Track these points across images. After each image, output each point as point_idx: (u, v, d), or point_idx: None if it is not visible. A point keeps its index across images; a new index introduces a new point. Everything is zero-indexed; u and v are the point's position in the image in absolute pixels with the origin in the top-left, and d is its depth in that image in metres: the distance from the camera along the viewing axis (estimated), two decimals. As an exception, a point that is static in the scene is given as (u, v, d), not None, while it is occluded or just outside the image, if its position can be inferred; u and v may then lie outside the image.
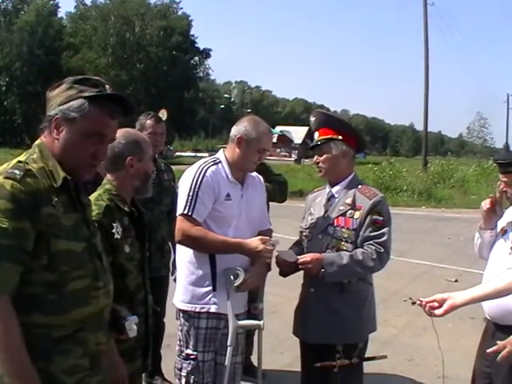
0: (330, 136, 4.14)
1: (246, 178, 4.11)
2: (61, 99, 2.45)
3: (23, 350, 2.21)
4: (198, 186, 3.87)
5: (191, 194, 3.86)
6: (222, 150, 4.11)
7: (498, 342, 3.30)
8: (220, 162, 4.02)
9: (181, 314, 4.05)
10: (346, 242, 4.02)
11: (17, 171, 2.29)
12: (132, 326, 2.88)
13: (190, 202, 3.86)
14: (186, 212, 3.86)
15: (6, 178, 2.25)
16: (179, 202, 3.94)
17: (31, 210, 2.25)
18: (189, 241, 3.89)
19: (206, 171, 3.92)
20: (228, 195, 3.94)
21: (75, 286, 2.37)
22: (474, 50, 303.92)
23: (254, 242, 3.87)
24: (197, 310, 3.95)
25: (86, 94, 2.46)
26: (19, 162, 2.37)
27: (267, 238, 3.94)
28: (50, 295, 2.31)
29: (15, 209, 2.21)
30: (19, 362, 2.20)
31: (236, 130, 4.00)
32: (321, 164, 4.20)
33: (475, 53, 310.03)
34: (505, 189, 3.81)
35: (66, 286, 2.33)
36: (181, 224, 3.88)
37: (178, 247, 4.12)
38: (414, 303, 3.39)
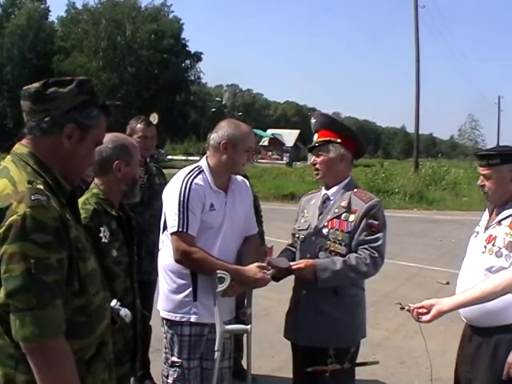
0: (328, 138, 4.13)
1: (230, 183, 4.07)
2: (73, 103, 2.26)
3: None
4: (186, 199, 3.81)
5: (181, 209, 3.80)
6: (204, 158, 4.06)
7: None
8: (203, 170, 3.97)
9: (164, 322, 4.03)
10: (340, 244, 4.01)
11: (40, 197, 2.09)
12: (126, 312, 2.92)
13: (183, 218, 3.80)
14: (180, 229, 3.80)
15: (33, 206, 2.06)
16: (169, 219, 3.88)
17: (64, 237, 2.13)
18: (188, 262, 3.84)
19: (191, 182, 3.87)
20: (212, 205, 3.90)
21: (96, 303, 2.33)
22: (465, 52, 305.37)
23: (252, 270, 3.86)
24: (177, 319, 3.93)
25: (100, 103, 2.37)
26: (29, 182, 2.15)
27: (264, 265, 3.93)
28: (80, 317, 2.23)
29: (53, 240, 2.07)
30: None
31: (218, 137, 3.94)
32: (318, 165, 4.18)
33: (466, 55, 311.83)
34: (482, 183, 3.78)
35: (92, 305, 2.28)
36: (178, 243, 3.81)
37: (160, 253, 4.09)
38: (402, 308, 3.42)
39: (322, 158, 4.15)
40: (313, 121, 4.28)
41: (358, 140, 4.32)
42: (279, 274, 4.09)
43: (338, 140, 4.12)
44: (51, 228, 2.08)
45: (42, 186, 2.16)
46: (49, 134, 2.25)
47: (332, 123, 4.27)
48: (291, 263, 4.04)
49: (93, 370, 2.31)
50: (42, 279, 2.03)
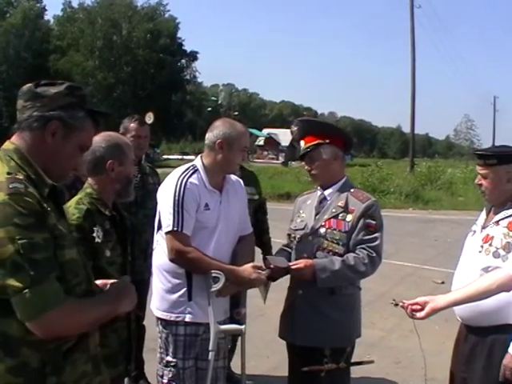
0: (317, 142, 4.12)
1: (225, 183, 4.06)
2: (60, 103, 2.34)
3: (95, 300, 2.44)
4: (181, 198, 3.80)
5: (176, 208, 3.79)
6: (199, 157, 4.05)
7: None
8: (197, 169, 3.96)
9: (159, 321, 4.02)
10: (338, 244, 4.01)
11: (18, 185, 2.17)
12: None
13: (178, 217, 3.78)
14: (175, 229, 3.78)
15: (11, 194, 2.14)
16: (164, 218, 3.87)
17: (44, 222, 2.20)
18: (183, 262, 3.82)
19: (186, 182, 3.86)
20: (206, 205, 3.89)
21: (76, 294, 2.35)
22: (460, 52, 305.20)
23: (247, 271, 3.84)
24: (172, 318, 3.92)
25: (88, 107, 2.44)
26: (8, 173, 2.22)
27: (259, 265, 3.94)
28: None
29: (35, 222, 2.15)
30: (106, 309, 2.46)
31: (214, 136, 3.93)
32: (313, 172, 4.17)
33: (462, 55, 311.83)
34: (480, 182, 3.77)
35: (70, 295, 2.29)
36: (173, 243, 3.80)
37: (155, 253, 4.08)
38: (396, 305, 3.43)
39: (316, 163, 4.14)
40: (294, 129, 4.25)
41: (345, 134, 4.33)
42: (277, 274, 4.09)
43: (327, 141, 4.12)
44: (31, 211, 2.15)
45: (21, 177, 2.23)
46: (34, 129, 2.33)
47: (315, 127, 4.26)
48: (290, 263, 4.03)
49: (71, 360, 2.33)
50: (31, 258, 2.11)
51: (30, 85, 2.38)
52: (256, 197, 5.64)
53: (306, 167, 4.23)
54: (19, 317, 2.12)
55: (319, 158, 4.12)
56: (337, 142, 4.15)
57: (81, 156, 2.50)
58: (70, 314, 2.22)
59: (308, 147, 4.15)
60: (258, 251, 4.93)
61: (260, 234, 5.51)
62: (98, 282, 2.70)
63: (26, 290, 2.08)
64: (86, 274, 2.46)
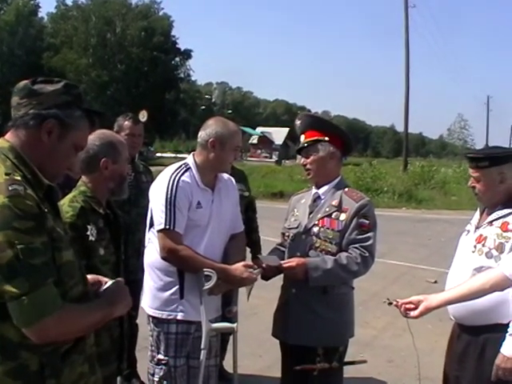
0: (316, 138, 4.12)
1: (217, 181, 4.06)
2: (57, 101, 2.31)
3: (91, 306, 2.41)
4: (173, 196, 3.79)
5: (168, 206, 3.78)
6: (191, 156, 4.04)
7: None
8: (190, 168, 3.95)
9: (150, 319, 4.02)
10: (331, 243, 4.01)
11: (17, 187, 2.14)
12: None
13: (170, 215, 3.78)
14: (167, 227, 3.78)
15: (11, 196, 2.10)
16: (156, 216, 3.86)
17: (42, 225, 2.17)
18: (175, 260, 3.82)
19: (179, 179, 3.85)
20: (199, 203, 3.88)
21: (72, 296, 2.34)
22: (455, 51, 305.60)
23: (239, 269, 3.83)
24: (164, 316, 3.92)
25: (84, 107, 2.42)
26: (6, 174, 2.18)
27: (251, 264, 3.94)
28: None
29: (35, 225, 2.12)
30: (101, 314, 2.41)
31: (206, 135, 3.93)
32: (308, 166, 4.17)
33: (457, 55, 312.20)
34: (473, 184, 3.77)
35: (67, 297, 2.29)
36: (165, 241, 3.79)
37: (147, 251, 4.07)
38: (390, 304, 3.44)
39: (312, 157, 4.14)
40: (298, 122, 4.27)
41: (345, 136, 4.31)
42: (269, 273, 4.09)
43: (326, 138, 4.12)
44: (31, 214, 2.13)
45: (19, 178, 2.20)
46: (30, 128, 2.29)
47: (318, 123, 4.27)
48: (282, 262, 4.03)
49: (69, 362, 2.33)
50: (30, 263, 2.09)
51: (26, 82, 2.35)
52: (246, 193, 5.63)
53: (302, 160, 4.23)
54: (15, 322, 2.11)
55: (315, 154, 4.12)
56: (335, 142, 4.15)
57: (75, 156, 2.48)
58: (66, 319, 2.20)
59: (307, 142, 4.16)
60: (247, 250, 4.92)
61: (249, 232, 5.51)
62: (89, 276, 2.68)
63: (24, 297, 2.07)
64: (81, 275, 2.45)
